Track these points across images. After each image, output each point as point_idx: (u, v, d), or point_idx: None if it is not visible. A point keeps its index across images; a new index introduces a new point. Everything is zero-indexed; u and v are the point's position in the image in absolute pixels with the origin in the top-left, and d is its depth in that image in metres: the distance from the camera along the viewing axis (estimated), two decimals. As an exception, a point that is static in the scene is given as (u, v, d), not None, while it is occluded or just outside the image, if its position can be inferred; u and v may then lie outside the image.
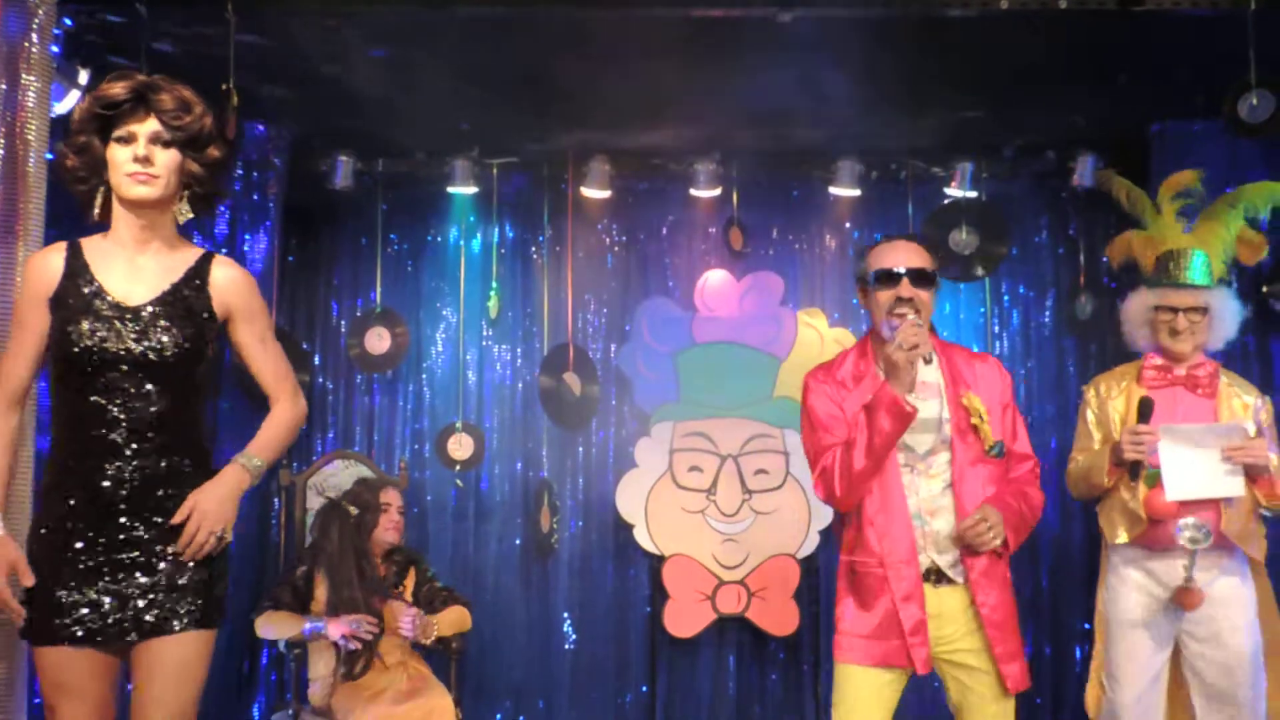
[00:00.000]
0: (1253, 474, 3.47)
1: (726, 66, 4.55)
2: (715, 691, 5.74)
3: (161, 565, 2.54)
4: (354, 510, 4.59)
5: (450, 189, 5.58)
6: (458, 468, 5.67)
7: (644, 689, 5.71)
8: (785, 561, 5.63)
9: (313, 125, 5.20)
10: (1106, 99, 4.92)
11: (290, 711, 4.44)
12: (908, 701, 3.19)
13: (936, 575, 2.98)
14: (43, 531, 2.55)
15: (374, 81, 4.70)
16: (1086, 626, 5.14)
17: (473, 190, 5.61)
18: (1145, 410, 3.46)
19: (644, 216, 5.96)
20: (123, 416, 2.52)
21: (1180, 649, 3.58)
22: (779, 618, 5.60)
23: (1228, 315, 3.65)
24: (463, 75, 4.65)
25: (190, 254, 2.68)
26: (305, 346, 5.85)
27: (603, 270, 5.95)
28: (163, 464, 2.55)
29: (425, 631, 4.41)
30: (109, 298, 2.56)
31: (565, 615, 5.78)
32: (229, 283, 2.67)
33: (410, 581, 4.65)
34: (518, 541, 5.82)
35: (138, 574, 2.52)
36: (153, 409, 2.53)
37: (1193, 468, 3.43)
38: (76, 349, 2.51)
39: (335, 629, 4.26)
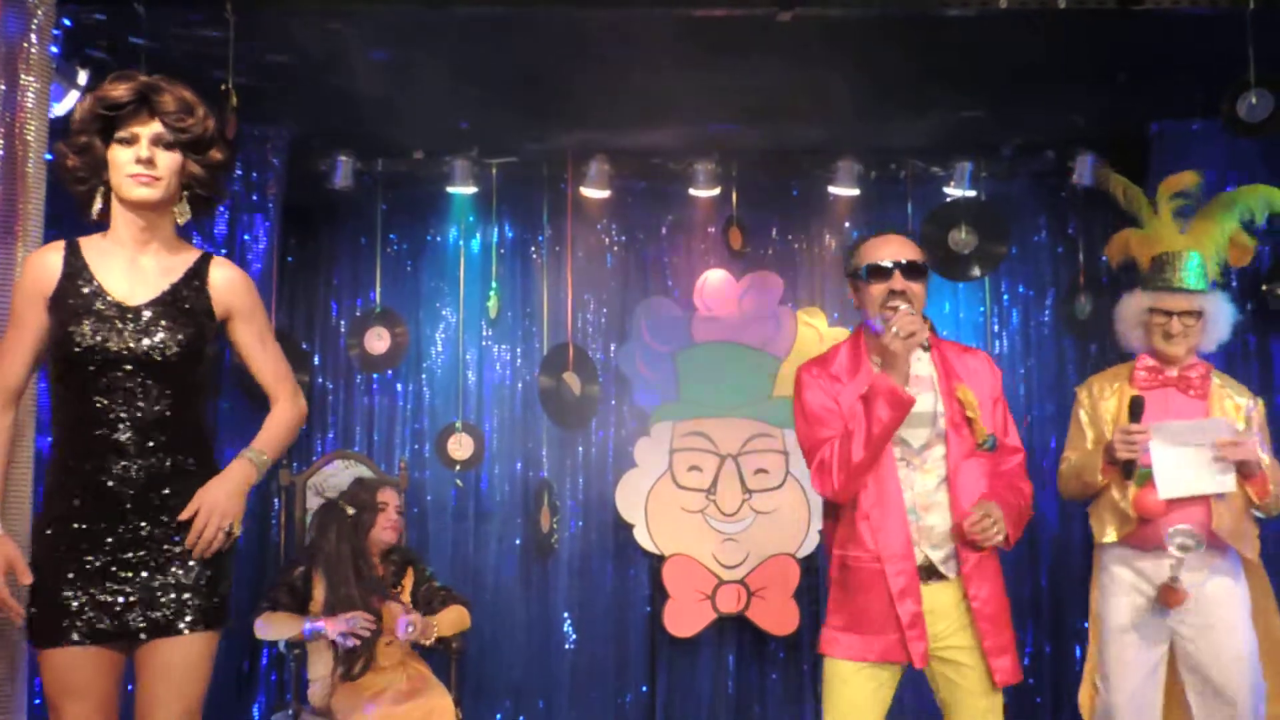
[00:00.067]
0: (1245, 471, 3.48)
1: (726, 66, 4.55)
2: (715, 691, 5.74)
3: (168, 565, 2.54)
4: (351, 510, 4.59)
5: (450, 189, 5.58)
6: (457, 468, 5.67)
7: (644, 689, 5.71)
8: (785, 561, 5.64)
9: (312, 125, 5.19)
10: (1106, 98, 4.92)
11: (290, 712, 4.44)
12: (904, 696, 3.19)
13: (928, 571, 2.98)
14: (47, 532, 2.55)
15: (373, 81, 4.70)
16: (1086, 626, 5.13)
17: (472, 190, 5.61)
18: (1136, 409, 3.47)
19: (643, 216, 5.96)
20: (126, 416, 2.52)
21: (1175, 649, 3.58)
22: (779, 617, 5.61)
23: (1221, 319, 3.67)
24: (462, 75, 4.65)
25: (189, 255, 2.69)
26: (305, 346, 5.85)
27: (602, 270, 5.95)
28: (167, 463, 2.55)
29: (425, 632, 4.41)
30: (109, 298, 2.56)
31: (565, 615, 5.78)
32: (228, 283, 2.69)
33: (408, 581, 4.65)
34: (517, 541, 5.82)
35: (144, 574, 2.53)
36: (156, 408, 2.54)
37: (1184, 465, 3.45)
38: (78, 349, 2.51)
39: (333, 628, 4.26)
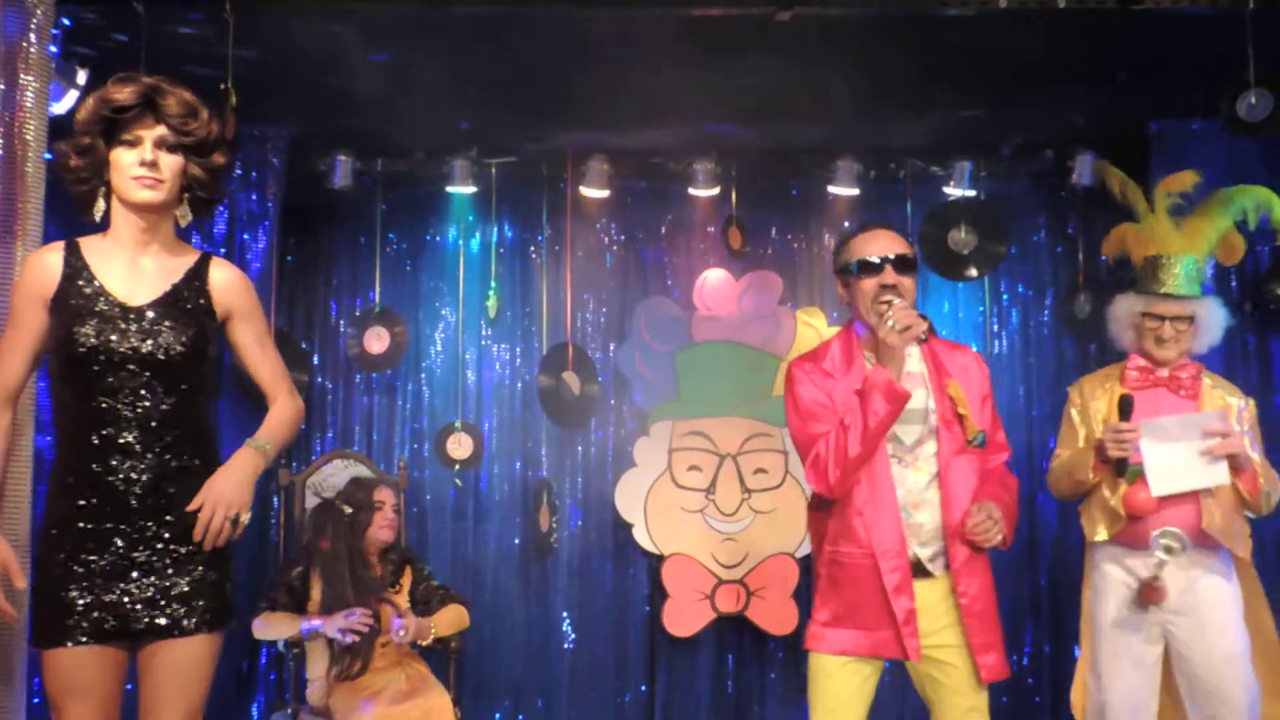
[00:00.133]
0: (1234, 465, 3.49)
1: (725, 65, 4.55)
2: (714, 691, 5.74)
3: (175, 565, 2.55)
4: (348, 509, 4.59)
5: (449, 188, 5.57)
6: (457, 467, 5.67)
7: (643, 688, 5.71)
8: (784, 560, 5.64)
9: (311, 125, 5.19)
10: (1105, 98, 4.92)
11: (289, 711, 4.44)
12: (905, 694, 3.19)
13: (916, 568, 2.99)
14: (53, 533, 2.56)
15: (373, 81, 4.70)
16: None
17: (472, 190, 5.60)
18: (1125, 408, 3.50)
19: (643, 216, 5.96)
20: (131, 416, 2.53)
21: (1169, 649, 3.59)
22: (778, 617, 5.61)
23: (1213, 323, 3.69)
24: (462, 75, 4.65)
25: (189, 255, 2.71)
26: (304, 346, 5.84)
27: (601, 269, 5.94)
28: (173, 463, 2.56)
29: (422, 633, 4.41)
30: (112, 298, 2.57)
31: (564, 614, 5.78)
32: (228, 284, 2.70)
33: (407, 580, 4.65)
34: (517, 541, 5.82)
35: (151, 574, 2.54)
36: (161, 409, 2.55)
37: (1175, 461, 3.46)
38: (83, 349, 2.51)
39: (331, 625, 4.26)
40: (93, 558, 2.51)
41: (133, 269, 2.61)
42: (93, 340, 2.52)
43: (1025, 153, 5.56)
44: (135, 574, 2.52)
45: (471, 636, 5.17)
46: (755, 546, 5.65)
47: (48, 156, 3.21)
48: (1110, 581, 3.63)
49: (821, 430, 3.01)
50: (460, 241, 5.89)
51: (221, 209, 4.92)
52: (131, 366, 2.53)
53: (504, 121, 5.22)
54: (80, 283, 2.57)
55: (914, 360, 3.08)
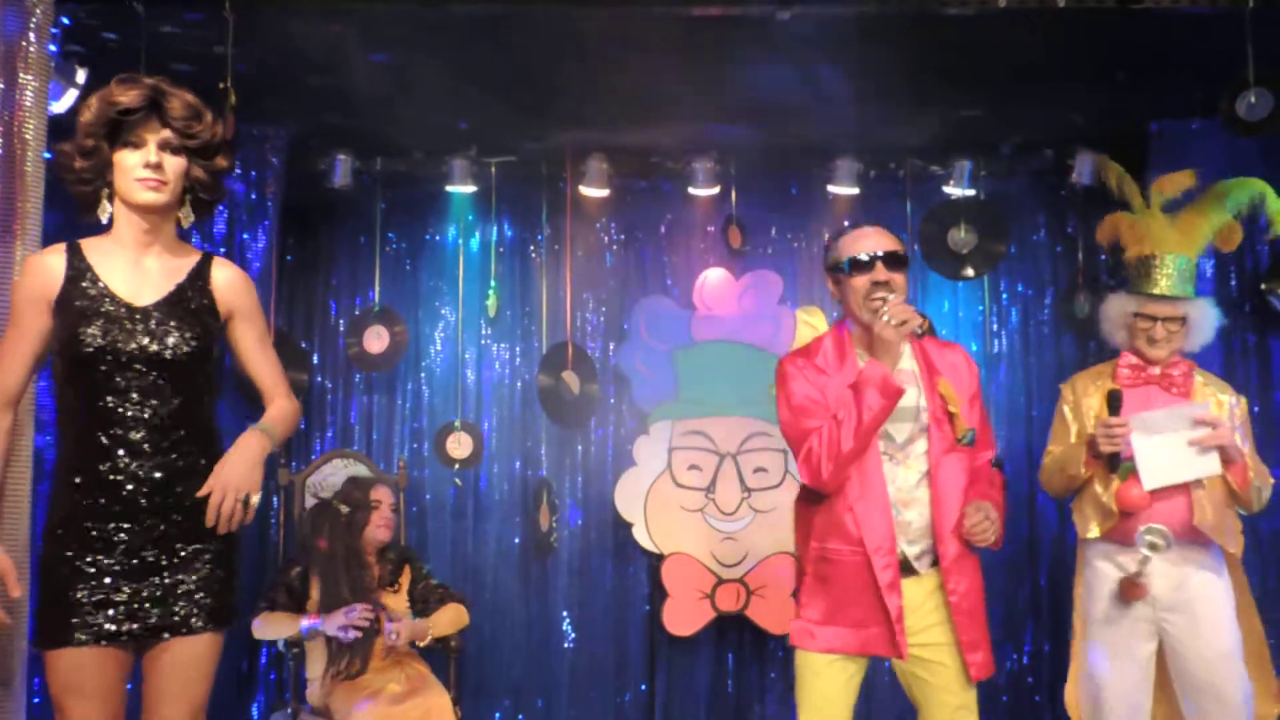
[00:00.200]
0: (1224, 457, 3.49)
1: (725, 64, 4.55)
2: (714, 690, 5.74)
3: (182, 565, 2.56)
4: (344, 509, 4.59)
5: (449, 188, 5.57)
6: (456, 466, 5.67)
7: (643, 687, 5.71)
8: (784, 559, 5.63)
9: (311, 124, 5.19)
10: (1105, 97, 4.92)
11: (289, 711, 4.44)
12: (904, 693, 3.19)
13: (903, 566, 3.00)
14: (58, 532, 2.56)
15: (372, 80, 4.70)
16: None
17: (471, 189, 5.61)
18: (1114, 403, 3.51)
19: (642, 215, 5.96)
20: (138, 416, 2.54)
21: (1164, 647, 3.59)
22: (778, 616, 5.60)
23: (1205, 323, 3.70)
24: (461, 74, 4.65)
25: (191, 255, 2.72)
26: (304, 346, 5.84)
27: (601, 269, 5.94)
28: (180, 462, 2.57)
29: (419, 634, 4.41)
30: (117, 299, 2.58)
31: (564, 614, 5.79)
32: (230, 283, 2.72)
33: (405, 580, 4.65)
34: (517, 540, 5.82)
35: (158, 574, 2.55)
36: (168, 408, 2.56)
37: (1166, 453, 3.47)
38: (89, 349, 2.52)
39: (331, 623, 4.26)
40: (100, 557, 2.52)
41: (136, 270, 2.62)
42: (99, 341, 2.52)
43: (1025, 152, 5.57)
44: (144, 573, 2.53)
45: (471, 636, 5.18)
46: (755, 545, 5.65)
47: (47, 156, 3.21)
48: (1102, 578, 3.64)
49: (814, 425, 3.02)
50: (460, 241, 5.89)
51: (221, 209, 4.92)
52: (139, 366, 2.54)
53: (503, 121, 5.22)
54: (84, 284, 2.58)
55: (905, 358, 3.09)
